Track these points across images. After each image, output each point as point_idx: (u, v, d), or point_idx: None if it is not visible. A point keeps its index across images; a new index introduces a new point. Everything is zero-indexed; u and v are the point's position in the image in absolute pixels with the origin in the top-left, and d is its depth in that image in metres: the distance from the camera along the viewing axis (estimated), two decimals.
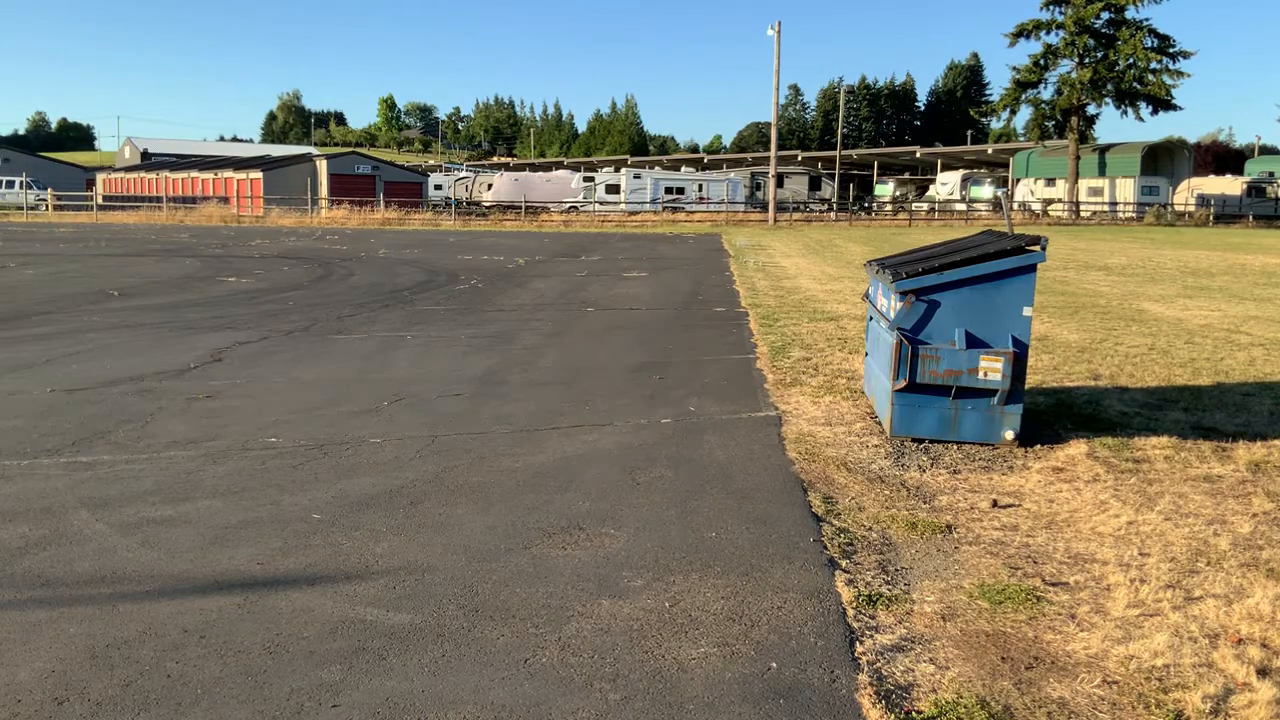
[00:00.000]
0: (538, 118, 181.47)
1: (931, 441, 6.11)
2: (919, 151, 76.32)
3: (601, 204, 53.98)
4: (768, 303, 13.86)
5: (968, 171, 65.67)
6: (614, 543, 4.41)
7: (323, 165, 57.19)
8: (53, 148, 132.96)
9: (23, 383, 7.82)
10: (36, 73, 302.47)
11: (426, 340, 10.40)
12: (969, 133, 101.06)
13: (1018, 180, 59.44)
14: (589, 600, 3.79)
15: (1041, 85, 54.49)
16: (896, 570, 4.14)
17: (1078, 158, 53.39)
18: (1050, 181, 56.15)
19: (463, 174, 73.44)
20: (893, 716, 2.95)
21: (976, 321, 5.86)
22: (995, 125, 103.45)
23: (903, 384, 5.95)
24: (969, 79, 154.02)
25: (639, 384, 8.11)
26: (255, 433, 6.29)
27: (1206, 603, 3.79)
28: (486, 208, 54.57)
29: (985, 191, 59.17)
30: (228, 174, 59.09)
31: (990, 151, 71.24)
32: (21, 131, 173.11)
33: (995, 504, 5.00)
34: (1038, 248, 5.85)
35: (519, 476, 5.41)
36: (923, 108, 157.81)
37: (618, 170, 60.28)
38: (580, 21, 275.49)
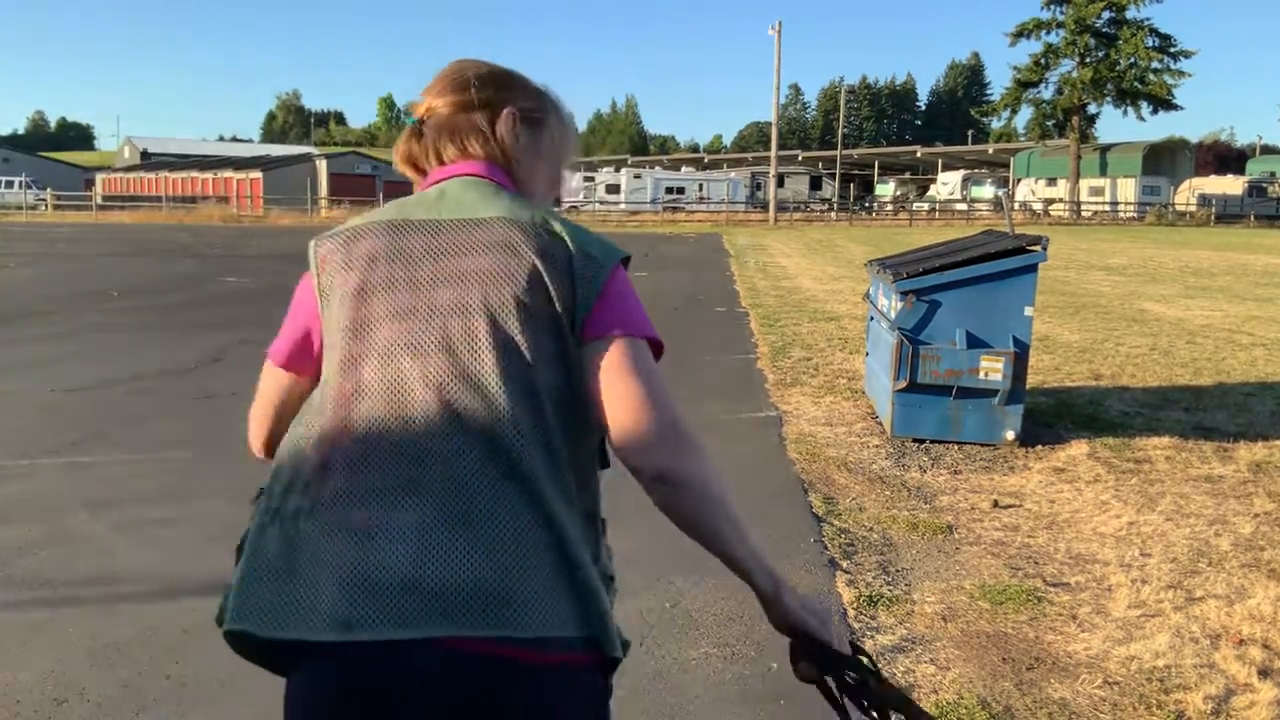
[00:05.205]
0: None
1: (932, 442, 6.10)
2: (920, 151, 76.28)
3: (601, 204, 53.91)
4: (768, 302, 13.85)
5: (968, 171, 65.60)
6: (613, 542, 4.40)
7: (322, 165, 57.23)
8: (52, 147, 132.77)
9: (23, 383, 7.81)
10: (36, 73, 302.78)
11: None
12: (970, 132, 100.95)
13: (1019, 180, 59.38)
14: None
15: (1042, 85, 54.46)
16: (897, 571, 4.14)
17: (1079, 157, 53.33)
18: (1051, 181, 56.09)
19: None
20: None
21: (977, 321, 5.85)
22: (996, 125, 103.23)
23: (903, 384, 5.94)
24: (970, 79, 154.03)
25: None
26: None
27: (1208, 603, 3.78)
28: None
29: (986, 191, 59.10)
30: (227, 174, 59.11)
31: (991, 151, 71.16)
32: (21, 131, 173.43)
33: (996, 504, 5.00)
34: (1039, 248, 5.84)
35: None
36: (923, 107, 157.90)
37: (618, 170, 60.21)
38: (580, 22, 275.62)
